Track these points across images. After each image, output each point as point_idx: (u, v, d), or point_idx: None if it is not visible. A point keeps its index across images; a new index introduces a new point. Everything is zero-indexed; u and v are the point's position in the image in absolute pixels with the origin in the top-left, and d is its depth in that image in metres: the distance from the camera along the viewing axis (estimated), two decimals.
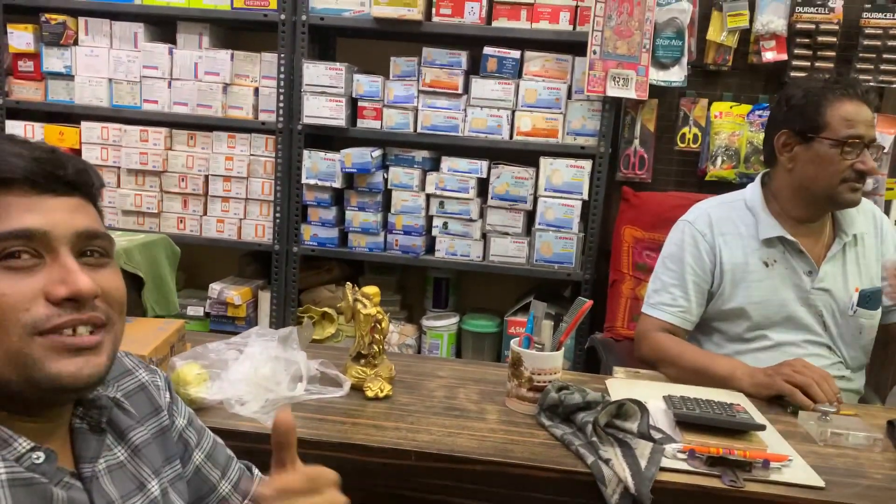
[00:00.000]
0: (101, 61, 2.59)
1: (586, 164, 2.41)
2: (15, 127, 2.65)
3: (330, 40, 2.80)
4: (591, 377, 1.45)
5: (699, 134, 2.49)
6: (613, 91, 2.31)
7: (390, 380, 1.27)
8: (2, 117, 2.66)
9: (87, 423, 0.72)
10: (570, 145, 2.43)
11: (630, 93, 2.31)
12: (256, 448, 1.04)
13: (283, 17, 2.45)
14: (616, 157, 2.49)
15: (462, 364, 1.46)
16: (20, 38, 2.59)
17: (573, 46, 2.39)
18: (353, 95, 2.51)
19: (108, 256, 0.70)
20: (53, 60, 2.60)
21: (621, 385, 1.39)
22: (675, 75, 2.37)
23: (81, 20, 2.58)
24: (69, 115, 2.68)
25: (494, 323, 2.63)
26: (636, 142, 2.49)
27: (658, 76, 2.36)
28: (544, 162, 2.43)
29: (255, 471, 0.96)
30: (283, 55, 2.48)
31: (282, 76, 2.50)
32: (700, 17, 2.40)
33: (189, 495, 0.84)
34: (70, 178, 0.67)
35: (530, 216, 2.51)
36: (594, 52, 2.30)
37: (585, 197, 2.43)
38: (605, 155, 2.40)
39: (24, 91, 2.66)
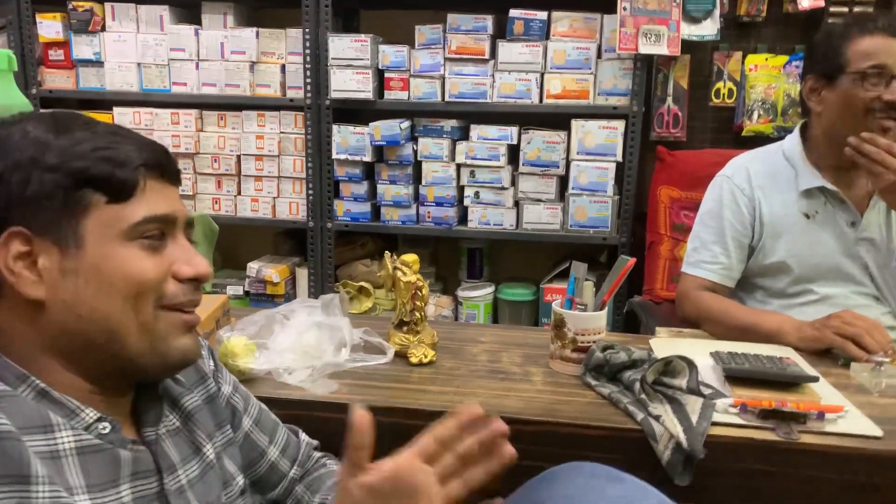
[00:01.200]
0: (129, 46, 2.60)
1: (619, 125, 2.37)
2: None
3: (353, 12, 2.77)
4: (634, 338, 1.44)
5: (734, 88, 2.43)
6: (645, 48, 2.26)
7: (433, 346, 1.28)
8: (37, 107, 2.70)
9: (145, 393, 0.74)
10: (601, 106, 2.39)
11: (662, 49, 2.26)
12: (304, 415, 1.06)
13: None
14: (649, 117, 2.44)
15: (503, 329, 1.46)
16: (49, 27, 2.62)
17: (602, 4, 2.33)
18: (380, 67, 2.49)
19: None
20: (83, 48, 2.62)
21: (665, 344, 1.37)
22: (708, 29, 2.30)
23: (108, 6, 2.59)
24: (101, 102, 2.71)
25: (530, 291, 2.62)
26: (669, 99, 2.43)
27: (690, 30, 2.30)
28: (576, 124, 2.39)
29: (302, 435, 0.98)
30: (307, 30, 2.47)
31: (307, 51, 2.49)
32: None
33: (240, 460, 0.85)
34: (177, 168, 0.73)
35: (563, 181, 2.48)
36: (624, 9, 2.24)
37: (619, 159, 2.39)
38: (638, 114, 2.36)
39: (56, 80, 2.70)
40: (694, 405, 1.07)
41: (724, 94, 2.43)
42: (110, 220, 0.66)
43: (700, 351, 1.26)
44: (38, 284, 0.64)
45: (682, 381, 1.11)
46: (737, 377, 1.15)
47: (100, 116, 2.66)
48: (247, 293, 2.72)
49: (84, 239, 0.65)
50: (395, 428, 1.06)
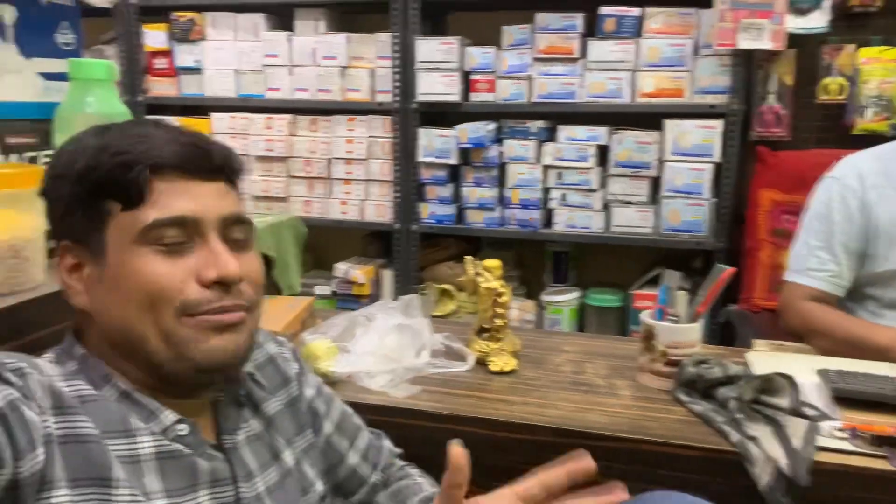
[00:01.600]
0: (226, 53, 2.71)
1: (717, 124, 2.25)
2: None
3: (442, 15, 2.77)
4: (729, 351, 1.36)
5: (845, 84, 2.25)
6: (745, 43, 2.13)
7: (515, 354, 1.24)
8: (143, 113, 2.85)
9: (227, 396, 0.74)
10: (698, 104, 2.28)
11: (764, 44, 2.13)
12: (385, 420, 1.05)
13: None
14: (749, 115, 2.30)
15: (588, 338, 1.41)
16: (154, 37, 2.76)
17: None
18: (466, 69, 2.48)
19: (250, 240, 0.71)
20: (184, 56, 2.75)
21: (764, 359, 1.28)
22: (816, 21, 2.15)
23: (208, 15, 2.71)
24: (200, 108, 2.83)
25: (618, 297, 2.53)
26: (772, 97, 2.29)
27: (796, 23, 2.15)
28: (670, 124, 2.30)
29: (385, 440, 0.96)
30: (396, 34, 2.49)
31: (396, 55, 2.50)
32: None
33: (320, 465, 0.85)
34: (217, 163, 0.68)
35: (656, 183, 2.39)
36: (723, 3, 2.13)
37: (717, 159, 2.27)
38: (737, 113, 2.23)
39: (160, 87, 2.84)
40: (795, 427, 0.99)
41: (833, 91, 2.26)
42: (125, 226, 0.64)
43: (803, 368, 1.17)
44: (83, 295, 0.67)
45: (782, 401, 1.03)
46: (847, 398, 1.06)
47: (198, 122, 2.78)
48: (334, 293, 2.77)
49: (107, 248, 0.65)
50: (475, 438, 1.04)
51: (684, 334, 1.14)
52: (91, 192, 0.65)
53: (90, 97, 0.99)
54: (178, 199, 0.65)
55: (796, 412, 1.00)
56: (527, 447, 1.03)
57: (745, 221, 2.20)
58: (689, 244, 2.34)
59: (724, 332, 2.26)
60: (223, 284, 0.65)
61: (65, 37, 1.10)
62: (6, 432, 0.53)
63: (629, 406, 1.09)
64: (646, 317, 1.17)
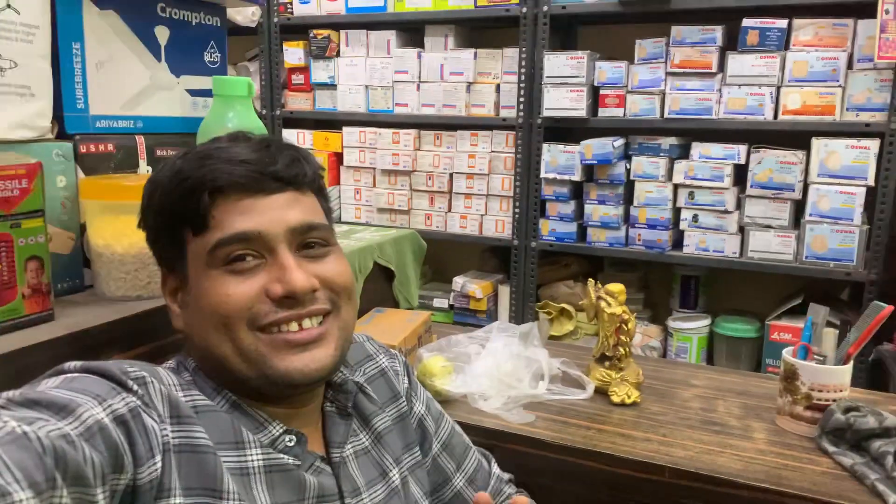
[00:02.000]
0: (359, 70, 2.80)
1: (872, 145, 2.05)
2: (288, 135, 2.98)
3: (572, 30, 2.73)
4: (884, 397, 1.22)
5: None
6: None
7: (638, 385, 1.18)
8: (279, 126, 3.00)
9: (335, 406, 0.74)
10: (851, 123, 2.09)
11: None
12: (498, 445, 1.02)
13: (524, 10, 2.43)
14: None
15: (719, 373, 1.31)
16: (293, 53, 2.90)
17: (856, 8, 2.05)
18: (595, 84, 2.41)
19: (328, 245, 0.70)
20: (320, 72, 2.87)
21: None
22: None
23: (343, 33, 2.81)
24: (333, 122, 2.94)
25: (753, 327, 2.36)
26: None
27: None
28: (817, 143, 2.12)
29: (494, 465, 0.93)
30: (524, 49, 2.47)
31: (522, 70, 2.48)
32: None
33: (427, 485, 0.83)
34: (280, 174, 0.67)
35: (799, 206, 2.21)
36: (886, 12, 1.94)
37: (871, 183, 2.07)
38: None
39: (296, 102, 2.98)
40: None
41: None
42: (198, 251, 0.65)
43: None
44: (180, 317, 0.70)
45: None
46: None
47: (331, 135, 2.89)
48: (451, 307, 2.78)
49: (188, 274, 0.67)
50: (592, 473, 0.99)
51: (832, 377, 1.03)
52: (167, 222, 0.67)
53: (231, 112, 1.04)
54: (239, 217, 0.65)
55: None
56: (647, 488, 0.96)
57: None
58: (835, 274, 2.14)
59: (874, 373, 2.05)
60: (293, 299, 0.64)
61: (211, 55, 1.16)
62: (128, 439, 0.54)
63: (765, 451, 1.00)
64: (788, 354, 1.07)
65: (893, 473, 0.90)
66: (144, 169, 1.04)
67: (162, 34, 1.07)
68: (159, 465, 0.56)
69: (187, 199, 0.65)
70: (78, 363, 0.59)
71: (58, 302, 0.89)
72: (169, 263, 0.70)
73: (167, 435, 0.58)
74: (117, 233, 0.92)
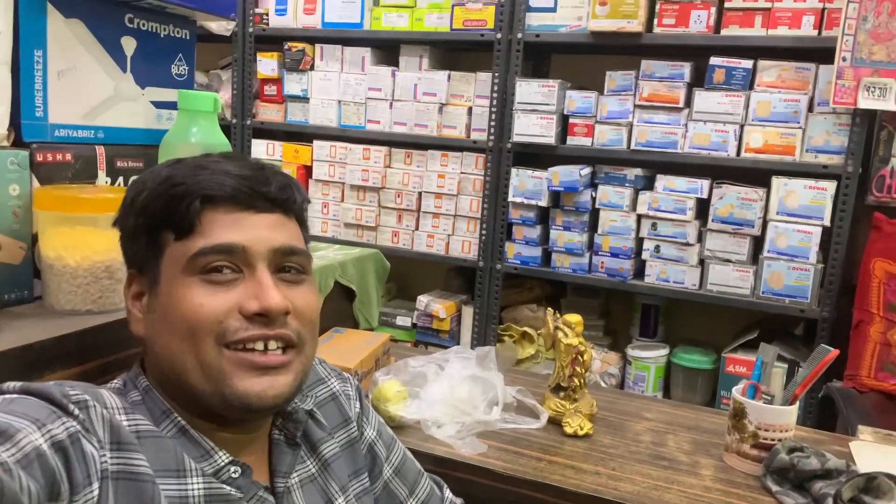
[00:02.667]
0: (332, 84, 2.80)
1: (829, 186, 2.12)
2: (258, 145, 2.96)
3: (544, 57, 2.77)
4: (830, 437, 1.24)
5: None
6: (867, 103, 2.00)
7: (591, 417, 1.19)
8: (249, 137, 2.98)
9: (283, 435, 0.73)
10: (809, 164, 2.15)
11: (888, 104, 1.99)
12: (448, 473, 1.02)
13: (499, 35, 2.46)
14: (867, 178, 2.15)
15: (673, 406, 1.33)
16: (267, 64, 2.89)
17: (817, 53, 2.11)
18: (565, 112, 2.45)
19: (304, 273, 0.71)
20: (293, 84, 2.86)
21: (870, 451, 1.17)
22: None
23: (318, 47, 2.81)
24: (303, 135, 2.93)
25: (710, 359, 2.40)
26: (894, 160, 2.13)
27: None
28: (777, 182, 2.18)
29: (447, 491, 0.93)
30: (497, 74, 2.49)
31: (495, 95, 2.51)
32: None
33: None
34: (272, 195, 0.68)
35: (758, 242, 2.26)
36: (843, 59, 2.01)
37: (827, 223, 2.13)
38: (853, 175, 2.09)
39: (267, 113, 2.97)
40: None
41: None
42: (177, 256, 0.65)
43: None
44: (141, 322, 0.69)
45: None
46: None
47: (302, 148, 2.88)
48: (414, 325, 2.77)
49: (160, 277, 0.66)
50: None
51: (778, 416, 1.05)
52: (150, 223, 0.67)
53: (195, 127, 1.03)
54: (227, 229, 0.65)
55: None
56: None
57: (856, 292, 2.04)
58: (790, 310, 2.19)
59: (823, 410, 2.09)
60: (266, 318, 0.64)
61: (179, 68, 1.15)
62: (65, 466, 0.53)
63: (711, 489, 1.01)
64: (737, 393, 1.09)
65: None
66: (103, 180, 1.03)
67: (128, 45, 1.06)
68: (96, 492, 0.55)
69: (177, 203, 0.65)
70: (17, 384, 0.58)
71: (4, 313, 0.86)
72: (140, 265, 0.69)
73: (106, 462, 0.57)
74: (70, 245, 0.90)
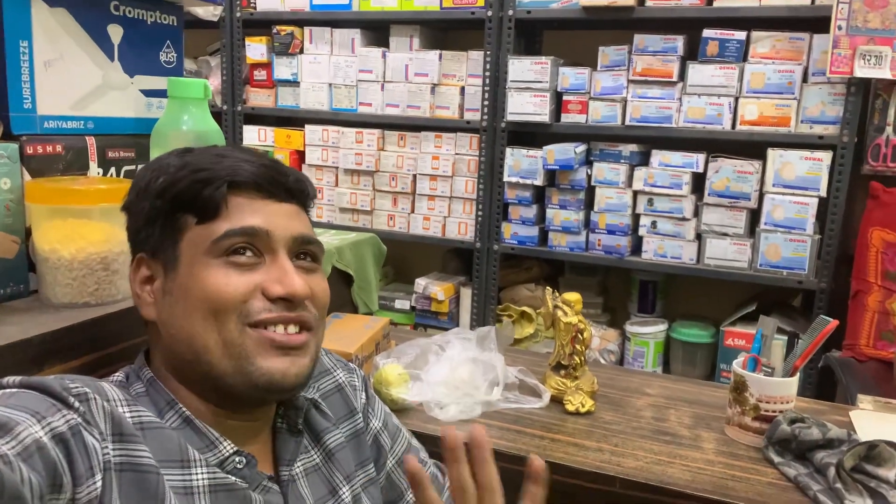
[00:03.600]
0: (322, 67, 2.77)
1: (825, 156, 2.11)
2: (249, 131, 2.93)
3: (536, 34, 2.74)
4: (830, 407, 1.25)
5: None
6: (863, 71, 1.99)
7: (592, 394, 1.19)
8: (240, 123, 2.96)
9: (286, 424, 0.73)
10: (805, 135, 2.15)
11: (884, 72, 1.98)
12: None
13: (489, 13, 2.44)
14: (863, 148, 2.15)
15: (673, 381, 1.33)
16: (256, 49, 2.86)
17: (811, 23, 2.10)
18: (559, 89, 2.43)
19: (318, 262, 0.73)
20: (283, 69, 2.83)
21: (870, 420, 1.17)
22: None
23: (307, 30, 2.78)
24: (295, 119, 2.91)
25: (708, 333, 2.41)
26: (889, 129, 2.12)
27: None
28: (773, 154, 2.17)
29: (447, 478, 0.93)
30: (488, 52, 2.47)
31: (487, 73, 2.49)
32: None
33: (380, 502, 0.83)
34: (290, 185, 0.70)
35: (754, 215, 2.26)
36: (839, 28, 1.99)
37: (823, 193, 2.13)
38: (848, 145, 2.09)
39: (258, 98, 2.94)
40: None
41: None
42: (198, 238, 0.65)
43: None
44: (152, 306, 0.68)
45: (889, 472, 0.94)
46: None
47: (293, 133, 2.86)
48: (413, 308, 2.77)
49: (179, 260, 0.66)
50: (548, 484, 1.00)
51: (779, 388, 1.06)
52: (170, 207, 0.67)
53: (186, 115, 1.02)
54: (251, 214, 0.67)
55: None
56: (599, 498, 0.97)
57: (853, 262, 2.04)
58: (788, 282, 2.20)
59: (823, 380, 2.11)
60: (288, 302, 0.66)
61: (167, 55, 1.14)
62: (67, 458, 0.53)
63: (713, 462, 1.01)
64: (737, 366, 1.09)
65: (835, 485, 0.93)
66: (95, 171, 1.02)
67: (115, 33, 1.04)
68: (99, 484, 0.55)
69: (202, 187, 0.65)
70: (17, 378, 0.58)
71: (0, 308, 0.86)
72: (154, 249, 0.68)
73: (108, 453, 0.57)
74: (64, 237, 0.89)
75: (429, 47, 2.66)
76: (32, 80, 0.93)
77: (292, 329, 0.67)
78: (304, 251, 0.70)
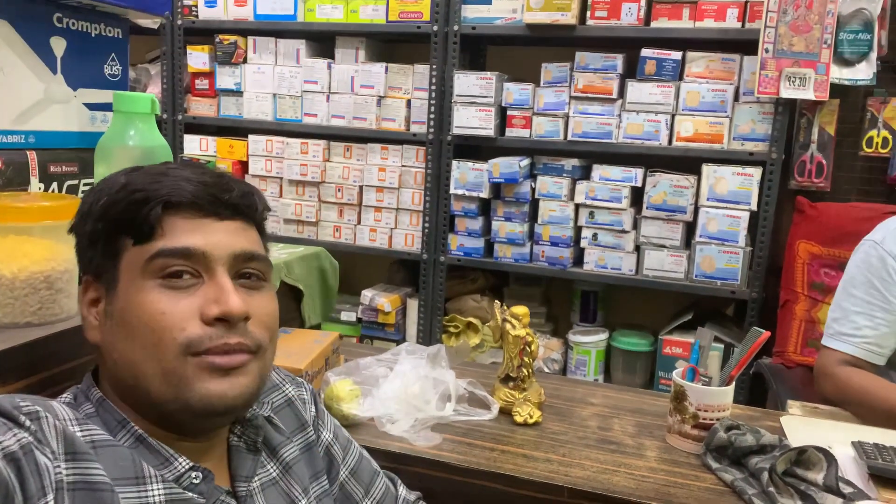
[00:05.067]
0: (266, 77, 2.75)
1: (755, 172, 2.22)
2: (191, 141, 2.88)
3: (481, 49, 2.79)
4: (763, 413, 1.31)
5: (889, 138, 2.21)
6: (788, 92, 2.11)
7: (540, 405, 1.22)
8: (181, 132, 2.90)
9: (243, 441, 0.73)
10: (736, 151, 2.25)
11: (808, 93, 2.10)
12: (404, 469, 1.03)
13: (435, 28, 2.47)
14: (789, 164, 2.27)
15: (616, 391, 1.38)
16: (197, 58, 2.81)
17: (741, 45, 2.21)
18: (503, 104, 2.48)
19: (264, 280, 0.71)
20: (225, 78, 2.79)
21: (799, 425, 1.24)
22: (862, 73, 2.12)
23: (250, 39, 2.75)
24: (238, 129, 2.87)
25: (648, 341, 2.48)
26: (813, 147, 2.25)
27: (841, 74, 2.12)
28: (707, 169, 2.27)
29: (401, 487, 0.95)
30: (434, 66, 2.50)
31: (433, 87, 2.52)
32: (893, 6, 2.13)
33: None
34: (234, 201, 0.68)
35: (690, 228, 2.35)
36: (766, 51, 2.10)
37: (754, 207, 2.23)
38: (777, 161, 2.20)
39: (199, 107, 2.89)
40: None
41: (877, 144, 2.22)
42: (135, 259, 0.65)
43: (840, 437, 1.13)
44: (97, 329, 0.68)
45: (817, 475, 0.99)
46: (883, 476, 1.01)
47: (236, 143, 2.82)
48: (359, 320, 2.77)
49: (118, 282, 0.66)
50: (494, 494, 1.02)
51: (716, 397, 1.11)
52: (108, 228, 0.66)
53: (132, 130, 1.00)
54: (187, 233, 0.65)
55: (832, 490, 0.96)
56: None
57: (782, 273, 2.15)
58: (722, 292, 2.29)
59: (755, 385, 2.20)
60: (227, 322, 0.64)
61: (112, 68, 1.12)
62: (18, 477, 0.52)
63: (656, 469, 1.06)
64: (677, 376, 1.14)
65: (768, 488, 0.98)
66: (36, 186, 0.99)
67: (58, 45, 1.02)
68: None
69: (137, 208, 0.64)
70: None
71: None
72: (97, 271, 0.67)
73: (60, 472, 0.56)
74: (5, 256, 0.86)
75: (375, 59, 2.67)
76: None
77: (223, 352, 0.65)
78: (248, 269, 0.68)
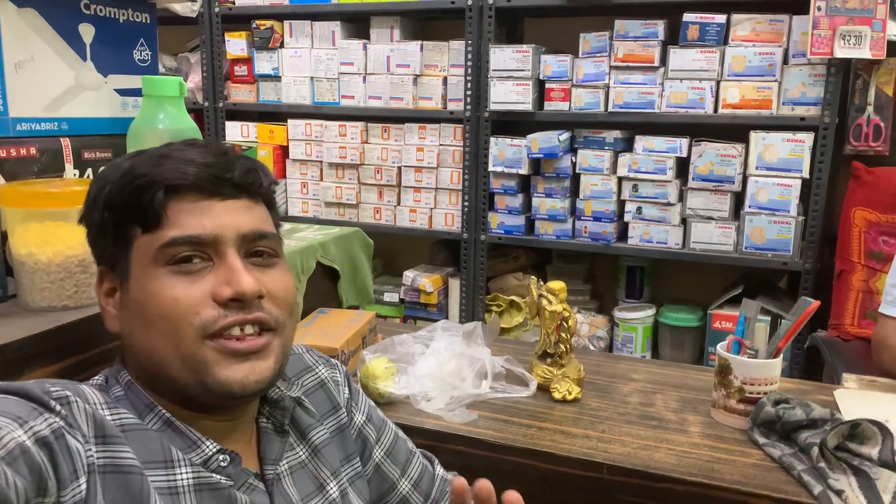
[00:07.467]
0: (303, 61, 2.75)
1: (807, 138, 2.12)
2: (232, 128, 2.91)
3: (517, 22, 2.73)
4: (815, 387, 1.26)
5: None
6: (843, 52, 2.00)
7: (579, 381, 1.19)
8: (222, 119, 2.94)
9: (271, 423, 0.73)
10: (786, 117, 2.15)
11: (863, 52, 1.98)
12: (440, 446, 1.02)
13: (469, 2, 2.43)
14: (844, 128, 2.16)
15: (659, 366, 1.34)
16: (235, 44, 2.83)
17: (790, 4, 2.10)
18: (541, 77, 2.43)
19: (276, 256, 0.70)
20: (263, 63, 2.81)
21: (854, 398, 1.18)
22: None
23: (286, 23, 2.76)
24: (277, 114, 2.89)
25: (696, 316, 2.42)
26: (870, 109, 2.14)
27: None
28: (756, 137, 2.18)
29: (438, 466, 0.93)
30: (470, 41, 2.46)
31: (469, 63, 2.48)
32: None
33: (370, 493, 0.83)
34: (236, 180, 0.67)
35: (738, 198, 2.27)
36: (818, 9, 1.99)
37: (806, 175, 2.13)
38: (830, 126, 2.09)
39: (239, 94, 2.92)
40: (887, 481, 0.91)
41: None
42: (145, 249, 0.64)
43: None
44: (115, 319, 0.68)
45: (872, 450, 0.95)
46: None
47: (276, 128, 2.84)
48: (402, 301, 2.77)
49: (130, 272, 0.65)
50: (532, 471, 1.01)
51: (763, 370, 1.06)
52: (116, 218, 0.66)
53: (161, 114, 1.01)
54: (194, 218, 0.64)
55: (887, 464, 0.92)
56: (586, 485, 0.98)
57: (837, 242, 2.06)
58: (773, 264, 2.21)
59: (810, 359, 2.13)
60: (240, 302, 0.64)
61: (141, 53, 1.13)
62: (51, 461, 0.53)
63: (699, 445, 1.02)
64: (721, 349, 1.10)
65: (819, 464, 0.94)
66: (71, 173, 1.01)
67: (87, 32, 1.03)
68: (84, 487, 0.55)
69: (140, 195, 0.64)
70: None
71: None
72: (110, 261, 0.68)
73: (92, 456, 0.56)
74: (41, 241, 0.88)
75: (410, 38, 2.65)
76: (3, 83, 0.92)
77: (249, 330, 0.65)
78: (258, 247, 0.68)
